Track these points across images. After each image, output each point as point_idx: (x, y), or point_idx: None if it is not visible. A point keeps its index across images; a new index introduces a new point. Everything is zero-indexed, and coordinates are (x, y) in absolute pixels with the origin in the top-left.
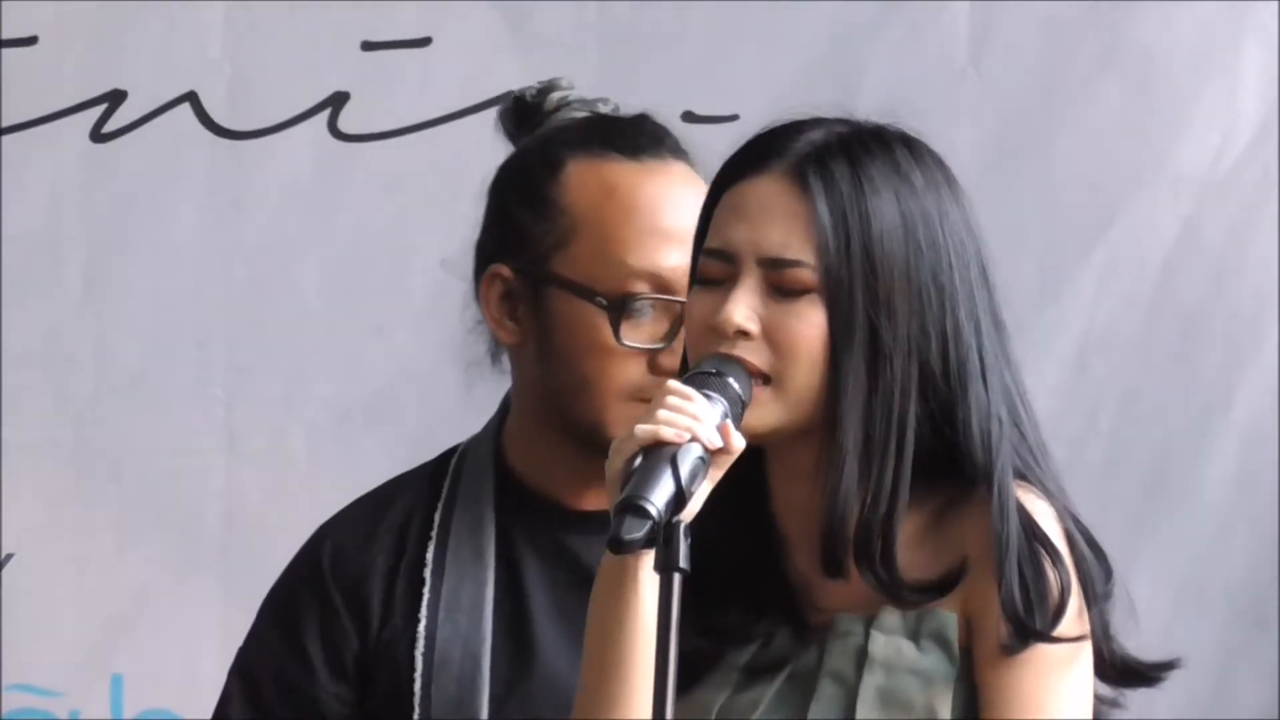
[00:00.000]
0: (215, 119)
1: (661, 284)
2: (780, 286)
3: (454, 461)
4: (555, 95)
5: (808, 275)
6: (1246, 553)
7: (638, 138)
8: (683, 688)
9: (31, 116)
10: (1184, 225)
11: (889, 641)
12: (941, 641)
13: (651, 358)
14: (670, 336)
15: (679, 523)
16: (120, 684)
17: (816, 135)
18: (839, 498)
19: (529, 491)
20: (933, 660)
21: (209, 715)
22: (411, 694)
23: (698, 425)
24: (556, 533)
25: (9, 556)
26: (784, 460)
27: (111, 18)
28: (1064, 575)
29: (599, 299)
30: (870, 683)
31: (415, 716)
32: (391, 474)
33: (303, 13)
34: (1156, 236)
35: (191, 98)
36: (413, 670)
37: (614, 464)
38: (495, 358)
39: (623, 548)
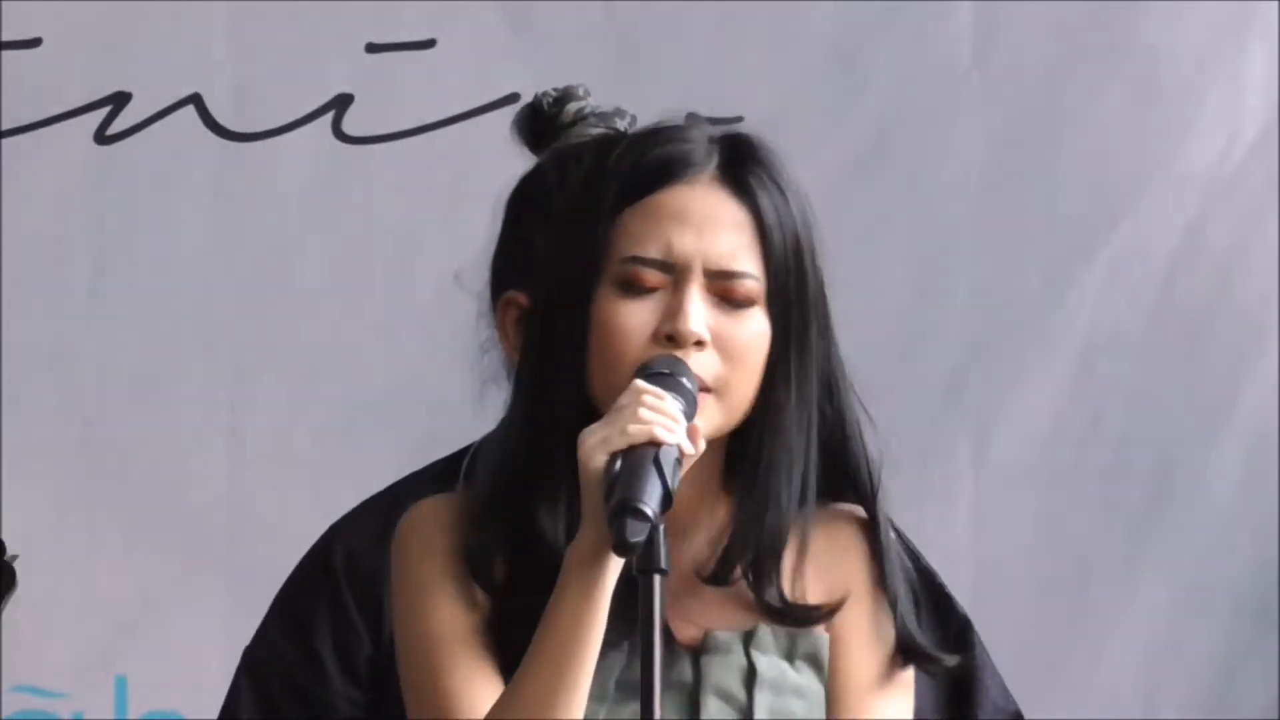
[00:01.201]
0: (219, 121)
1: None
2: (728, 297)
3: (465, 461)
4: (573, 106)
5: (755, 286)
6: (1250, 554)
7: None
8: None
9: (36, 119)
10: (1189, 227)
11: (770, 661)
12: (815, 663)
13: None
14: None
15: (659, 524)
16: (124, 685)
17: (732, 138)
18: (770, 507)
19: None
20: (808, 681)
21: (214, 717)
22: None
23: (678, 425)
24: None
25: (14, 558)
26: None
27: (116, 20)
28: (944, 596)
29: None
30: (761, 701)
31: None
32: (397, 476)
33: (307, 15)
34: (1161, 238)
35: (196, 100)
36: None
37: (593, 461)
38: (510, 373)
39: (629, 550)
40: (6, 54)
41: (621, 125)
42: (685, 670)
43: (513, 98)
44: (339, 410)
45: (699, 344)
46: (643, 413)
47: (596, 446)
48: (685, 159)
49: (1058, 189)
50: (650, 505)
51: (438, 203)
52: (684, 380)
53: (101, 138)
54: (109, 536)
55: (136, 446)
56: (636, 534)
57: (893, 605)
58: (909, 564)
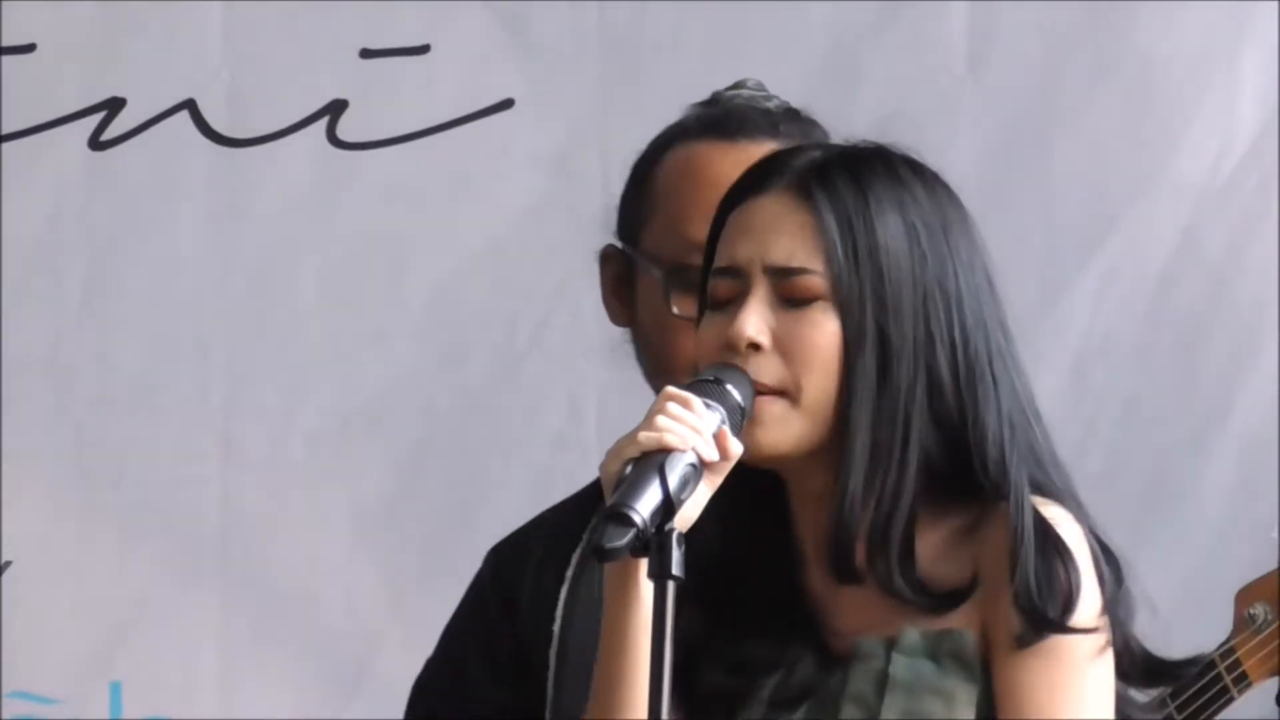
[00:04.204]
0: (214, 126)
1: None
2: (790, 296)
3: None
4: (731, 93)
5: (817, 282)
6: (1246, 560)
7: (745, 122)
8: None
9: (30, 124)
10: (1183, 233)
11: (910, 664)
12: (961, 661)
13: None
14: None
15: (671, 530)
16: (119, 691)
17: (817, 154)
18: (846, 501)
19: None
20: (954, 680)
21: None
22: (545, 694)
23: (695, 434)
24: None
25: (8, 563)
26: (802, 482)
27: (110, 25)
28: (1075, 572)
29: (656, 270)
30: (892, 704)
31: (547, 716)
32: (391, 481)
33: (302, 20)
34: (1156, 244)
35: (190, 105)
36: (546, 670)
37: (610, 467)
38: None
39: (603, 556)
40: (2, 59)
41: (767, 105)
42: (834, 682)
43: (507, 103)
44: (333, 416)
45: (756, 347)
46: (659, 420)
47: (612, 454)
48: (765, 173)
49: (1052, 195)
50: (638, 512)
51: (432, 208)
52: (729, 386)
53: (96, 143)
54: (103, 542)
55: (131, 452)
56: (612, 540)
57: (1021, 591)
58: (1054, 534)
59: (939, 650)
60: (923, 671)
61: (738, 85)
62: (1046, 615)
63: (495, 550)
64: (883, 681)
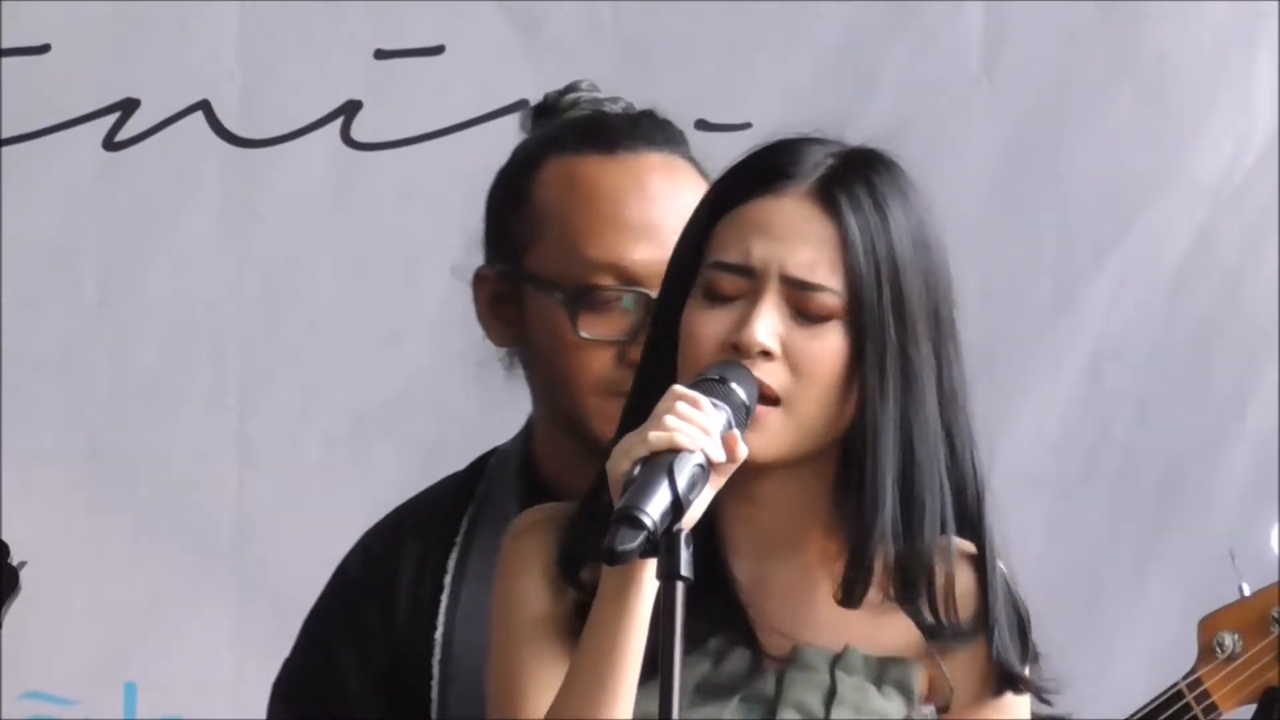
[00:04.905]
0: (228, 127)
1: (626, 276)
2: (805, 310)
3: (490, 464)
4: (569, 96)
5: (834, 301)
6: (1260, 560)
7: (617, 132)
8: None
9: (44, 125)
10: (1198, 233)
11: (856, 684)
12: (904, 690)
13: (620, 350)
14: (637, 329)
15: (679, 531)
16: (134, 692)
17: (828, 157)
18: (877, 528)
19: (555, 493)
20: (895, 707)
21: None
22: (429, 702)
23: (704, 435)
24: None
25: (23, 564)
26: (755, 479)
27: (124, 26)
28: (1030, 627)
29: (557, 292)
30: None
31: None
32: (405, 482)
33: (316, 21)
34: (1170, 244)
35: (204, 106)
36: (429, 678)
37: (618, 468)
38: (510, 362)
39: (616, 559)
40: (15, 60)
41: (615, 109)
42: (769, 683)
43: (521, 104)
44: (348, 417)
45: (767, 354)
46: (668, 419)
47: (621, 454)
48: (778, 171)
49: (1066, 196)
50: (650, 513)
51: (446, 209)
52: (735, 386)
53: (110, 144)
54: (118, 543)
55: (145, 453)
56: (625, 542)
57: (1000, 646)
58: (1016, 592)
59: (882, 676)
60: (868, 693)
61: (571, 88)
62: (1018, 672)
63: (365, 545)
64: (830, 696)
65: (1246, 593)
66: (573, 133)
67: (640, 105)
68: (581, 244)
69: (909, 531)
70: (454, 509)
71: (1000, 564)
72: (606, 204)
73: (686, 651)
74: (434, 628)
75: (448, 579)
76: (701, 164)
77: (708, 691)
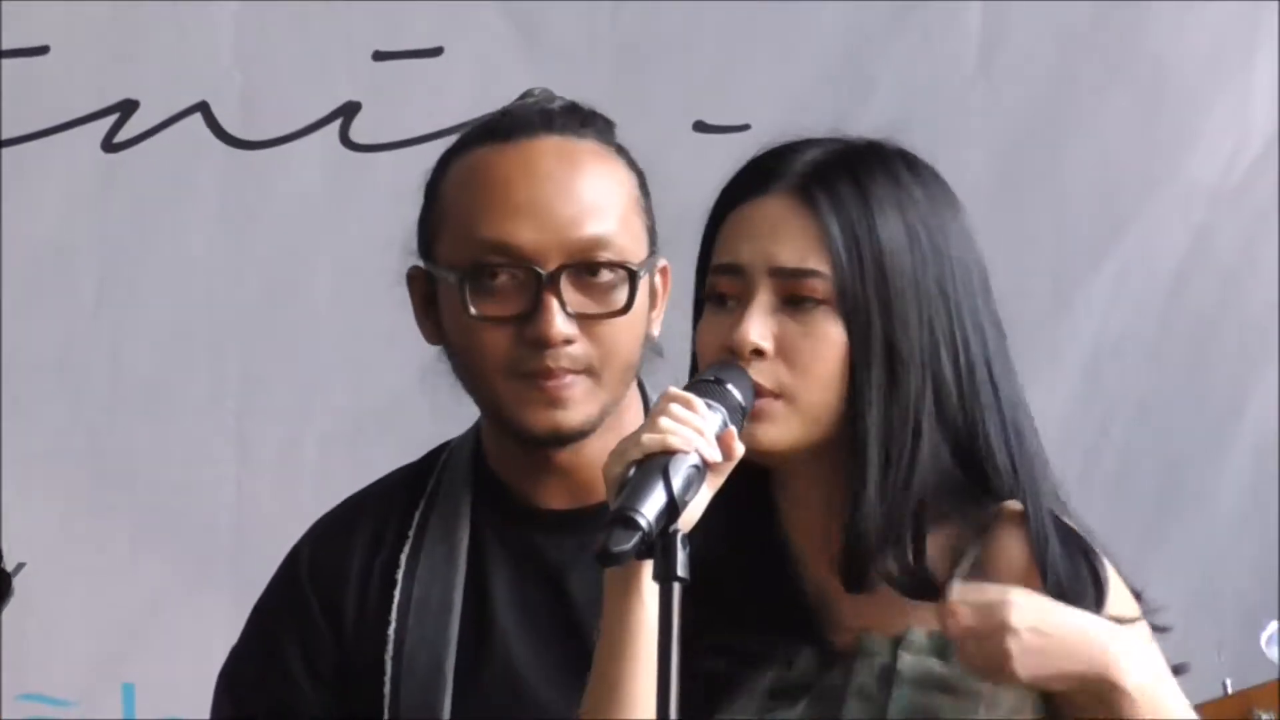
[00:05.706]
0: (227, 129)
1: (513, 254)
2: (794, 295)
3: (442, 459)
4: (515, 103)
5: (822, 285)
6: (1258, 560)
7: (518, 122)
8: (706, 710)
9: (43, 126)
10: (1195, 234)
11: (917, 660)
12: None
13: (519, 330)
14: (532, 308)
15: (675, 532)
16: (132, 693)
17: (815, 154)
18: (862, 513)
19: (502, 488)
20: (962, 678)
21: None
22: (382, 698)
23: (698, 436)
24: (523, 530)
25: (21, 565)
26: (794, 479)
27: (123, 28)
28: (1100, 565)
29: (452, 275)
30: (898, 699)
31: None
32: None
33: (314, 22)
34: (1168, 245)
35: (203, 108)
36: (382, 674)
37: (612, 469)
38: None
39: (610, 560)
40: (14, 62)
41: (550, 107)
42: (836, 677)
43: None
44: (346, 418)
45: (760, 354)
46: (662, 421)
47: (615, 457)
48: (765, 173)
49: (1064, 196)
50: (644, 515)
51: None
52: (730, 386)
53: (109, 145)
54: (116, 544)
55: (144, 454)
56: (619, 544)
57: (1054, 591)
58: (1088, 543)
59: (946, 647)
60: (930, 668)
61: (524, 95)
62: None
63: (312, 540)
64: (888, 676)
65: (1229, 689)
66: (479, 130)
67: (640, 106)
68: (472, 226)
69: (889, 516)
70: (406, 501)
71: (1068, 520)
72: (498, 188)
73: (760, 664)
74: (387, 623)
75: (399, 574)
76: (630, 151)
77: (779, 694)
